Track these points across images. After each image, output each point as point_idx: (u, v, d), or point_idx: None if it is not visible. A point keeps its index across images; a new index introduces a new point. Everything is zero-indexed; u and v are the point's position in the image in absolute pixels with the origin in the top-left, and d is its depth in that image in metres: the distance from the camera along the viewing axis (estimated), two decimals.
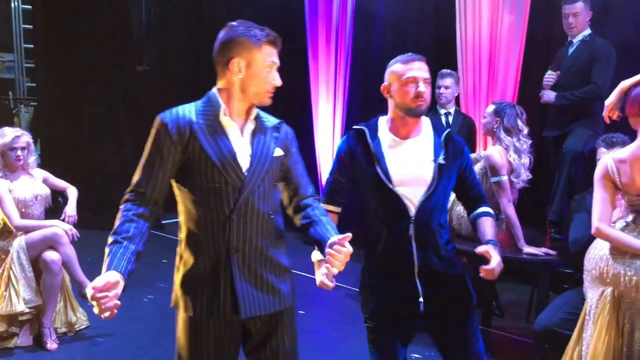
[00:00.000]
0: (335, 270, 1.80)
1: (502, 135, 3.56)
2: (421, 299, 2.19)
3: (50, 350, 3.58)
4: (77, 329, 3.84)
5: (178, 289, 1.95)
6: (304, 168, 2.12)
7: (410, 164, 2.21)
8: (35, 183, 3.81)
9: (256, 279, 1.93)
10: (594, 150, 3.29)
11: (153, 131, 1.90)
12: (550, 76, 4.26)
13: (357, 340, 3.86)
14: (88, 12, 6.63)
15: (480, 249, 2.13)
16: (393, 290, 2.24)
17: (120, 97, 6.82)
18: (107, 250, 1.78)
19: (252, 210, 1.90)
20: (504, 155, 3.53)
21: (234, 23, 1.93)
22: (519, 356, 3.72)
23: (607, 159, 2.44)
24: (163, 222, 6.20)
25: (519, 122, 3.57)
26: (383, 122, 2.33)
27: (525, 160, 3.58)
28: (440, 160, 2.21)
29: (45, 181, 3.89)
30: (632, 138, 2.46)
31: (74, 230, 3.73)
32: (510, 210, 3.42)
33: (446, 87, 4.46)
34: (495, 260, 2.10)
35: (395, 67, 2.24)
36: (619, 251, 2.37)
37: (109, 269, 1.72)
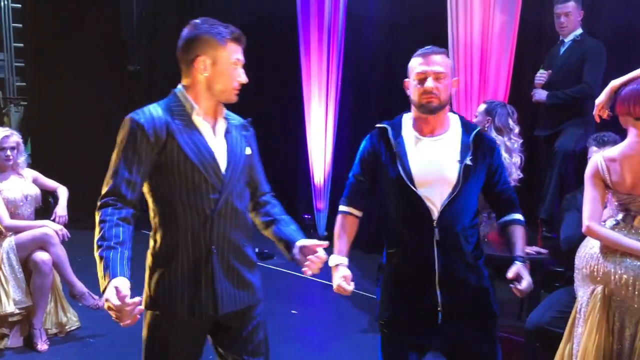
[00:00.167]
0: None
1: (494, 134, 3.57)
2: (440, 309, 2.08)
3: (41, 352, 3.56)
4: (68, 329, 3.81)
5: (154, 290, 1.92)
6: (262, 166, 2.15)
7: (433, 164, 2.09)
8: (25, 183, 3.79)
9: (233, 275, 1.95)
10: (585, 149, 3.30)
11: (126, 133, 1.86)
12: (541, 75, 4.28)
13: (348, 340, 3.87)
14: (79, 11, 6.60)
15: (511, 274, 2.04)
16: (411, 300, 2.13)
17: (111, 97, 6.79)
18: (100, 256, 1.75)
19: (232, 208, 1.93)
20: None
21: (197, 21, 1.95)
22: (511, 355, 3.73)
23: (597, 157, 2.45)
24: None
25: (510, 121, 3.59)
26: (407, 119, 2.21)
27: (517, 159, 3.59)
28: (468, 161, 2.08)
29: (35, 181, 3.87)
30: (623, 137, 2.47)
31: (65, 231, 3.70)
32: None
33: None
34: (526, 282, 2.03)
35: (411, 62, 2.16)
36: (609, 250, 2.38)
37: (114, 276, 1.70)
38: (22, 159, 3.82)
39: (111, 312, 1.66)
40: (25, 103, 7.36)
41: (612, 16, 4.47)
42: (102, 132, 6.72)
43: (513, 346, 3.72)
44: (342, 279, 2.08)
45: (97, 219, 1.82)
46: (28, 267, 3.62)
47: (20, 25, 7.23)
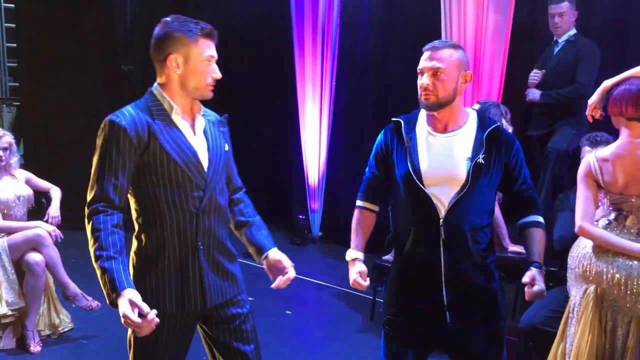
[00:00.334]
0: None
1: None
2: (446, 309, 2.04)
3: (34, 353, 3.54)
4: (61, 331, 3.80)
5: (141, 289, 1.89)
6: (234, 161, 2.17)
7: (443, 161, 2.04)
8: (17, 184, 3.77)
9: (218, 268, 1.99)
10: (579, 149, 3.31)
11: (107, 136, 1.85)
12: (535, 75, 4.30)
13: (343, 340, 3.87)
14: (72, 10, 6.56)
15: (526, 279, 2.01)
16: (417, 298, 2.10)
17: (105, 97, 6.75)
18: (102, 267, 1.75)
19: (215, 205, 1.96)
20: None
21: (167, 19, 1.95)
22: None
23: (590, 157, 2.46)
24: None
25: (504, 121, 3.58)
26: (423, 114, 2.15)
27: None
28: (480, 159, 2.02)
29: (28, 182, 3.85)
30: (616, 137, 2.48)
31: (58, 232, 3.69)
32: (496, 209, 3.43)
33: None
34: (539, 288, 2.00)
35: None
36: (601, 249, 2.39)
37: (122, 288, 1.73)
38: (15, 160, 3.80)
39: (129, 326, 1.70)
40: (18, 103, 7.31)
41: (606, 17, 4.49)
42: (96, 132, 6.69)
43: (507, 345, 3.73)
44: (358, 274, 2.10)
45: (90, 226, 1.81)
46: (21, 268, 3.60)
47: (14, 25, 7.18)
